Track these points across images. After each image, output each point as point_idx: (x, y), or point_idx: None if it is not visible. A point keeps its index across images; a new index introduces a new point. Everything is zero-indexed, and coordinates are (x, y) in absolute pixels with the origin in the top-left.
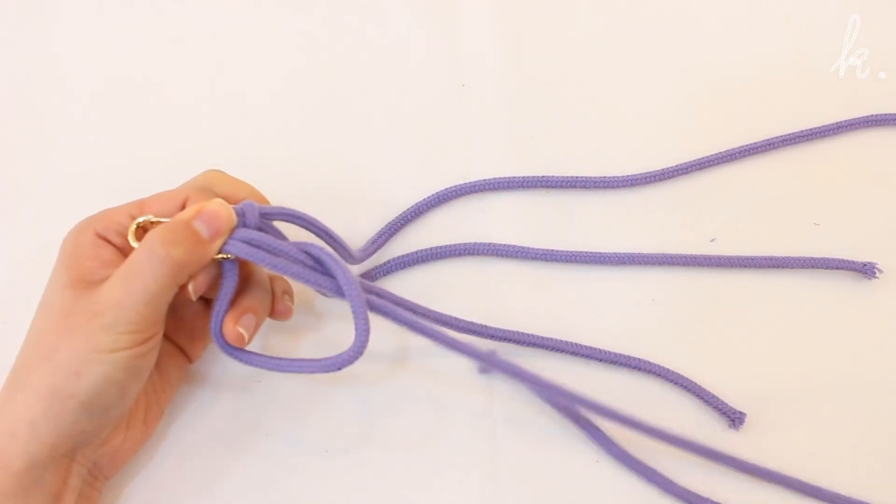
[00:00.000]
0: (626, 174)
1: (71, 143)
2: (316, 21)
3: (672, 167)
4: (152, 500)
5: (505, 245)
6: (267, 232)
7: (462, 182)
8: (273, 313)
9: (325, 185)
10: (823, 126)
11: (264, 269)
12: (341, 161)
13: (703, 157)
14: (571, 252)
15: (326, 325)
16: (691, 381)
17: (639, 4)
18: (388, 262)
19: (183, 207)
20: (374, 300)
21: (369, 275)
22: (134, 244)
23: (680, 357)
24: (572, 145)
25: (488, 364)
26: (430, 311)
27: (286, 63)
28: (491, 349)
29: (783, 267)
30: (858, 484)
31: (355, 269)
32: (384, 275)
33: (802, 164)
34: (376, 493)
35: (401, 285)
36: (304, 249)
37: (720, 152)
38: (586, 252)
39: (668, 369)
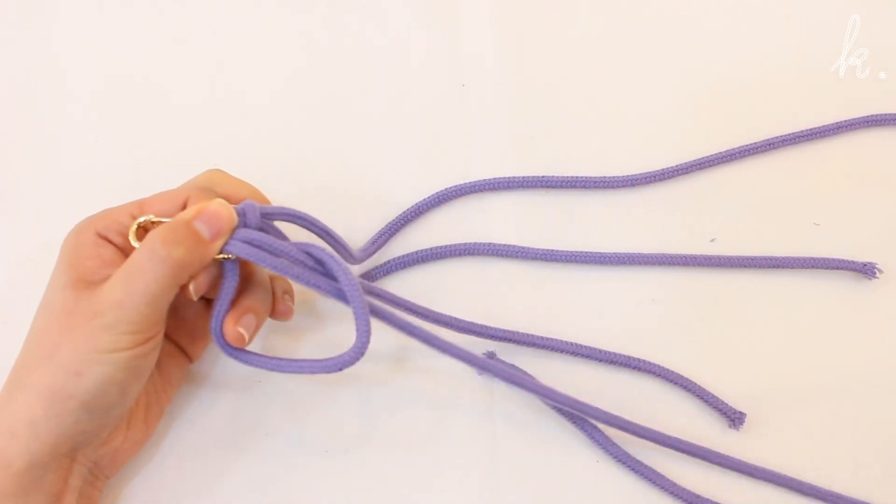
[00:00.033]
0: (626, 174)
1: (71, 143)
2: (316, 21)
3: (672, 167)
4: (152, 500)
5: (505, 245)
6: (268, 232)
7: (462, 182)
8: (273, 313)
9: (325, 185)
10: (823, 126)
11: (265, 269)
12: (341, 161)
13: (703, 157)
14: (571, 252)
15: (327, 325)
16: (691, 381)
17: (639, 4)
18: (388, 262)
19: (184, 207)
20: (376, 304)
21: (369, 275)
22: (135, 244)
23: (680, 357)
24: (572, 145)
25: (486, 370)
26: (430, 311)
27: (286, 63)
28: (491, 350)
29: (783, 267)
30: (858, 484)
31: (355, 269)
32: (384, 275)
33: (802, 164)
34: (376, 493)
35: (401, 285)
36: (306, 250)
37: (720, 152)
38: (586, 252)
39: (668, 369)
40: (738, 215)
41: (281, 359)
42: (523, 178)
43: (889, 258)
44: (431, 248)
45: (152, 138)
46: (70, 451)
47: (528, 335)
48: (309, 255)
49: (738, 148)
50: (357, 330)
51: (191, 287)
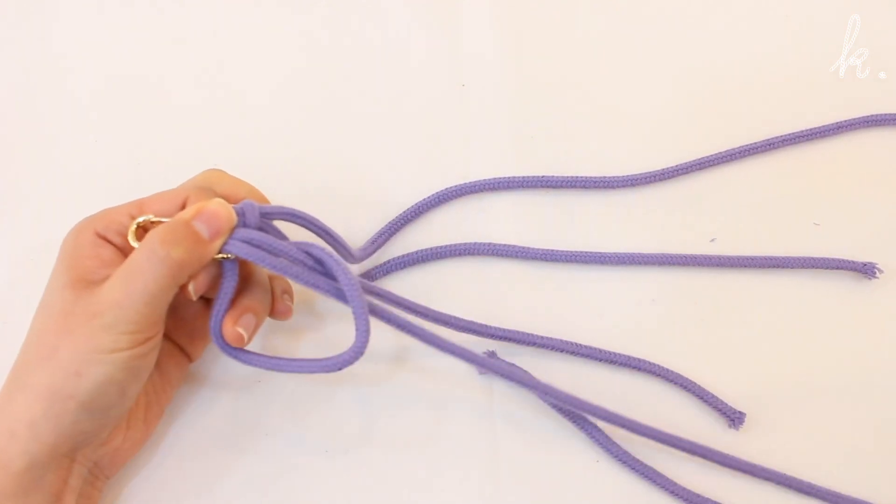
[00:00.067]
0: (626, 174)
1: (71, 143)
2: (316, 21)
3: (672, 167)
4: (152, 500)
5: (505, 245)
6: (267, 231)
7: (462, 182)
8: (273, 313)
9: (325, 185)
10: (823, 126)
11: (264, 269)
12: (341, 161)
13: (703, 157)
14: (571, 252)
15: (327, 325)
16: (691, 381)
17: (639, 4)
18: (388, 261)
19: (183, 207)
20: (375, 303)
21: (369, 274)
22: (134, 244)
23: (680, 357)
24: (572, 145)
25: (487, 369)
26: (429, 310)
27: (286, 63)
28: (491, 349)
29: (783, 267)
30: (858, 484)
31: (355, 269)
32: (384, 274)
33: (802, 164)
34: (376, 493)
35: (401, 285)
36: (305, 249)
37: (720, 152)
38: (586, 252)
39: (668, 369)
40: (738, 215)
41: (280, 358)
42: (523, 178)
43: (889, 258)
44: (431, 248)
45: (152, 138)
46: (70, 451)
47: (528, 335)
48: (308, 254)
49: (738, 148)
50: (356, 329)
51: (190, 287)
